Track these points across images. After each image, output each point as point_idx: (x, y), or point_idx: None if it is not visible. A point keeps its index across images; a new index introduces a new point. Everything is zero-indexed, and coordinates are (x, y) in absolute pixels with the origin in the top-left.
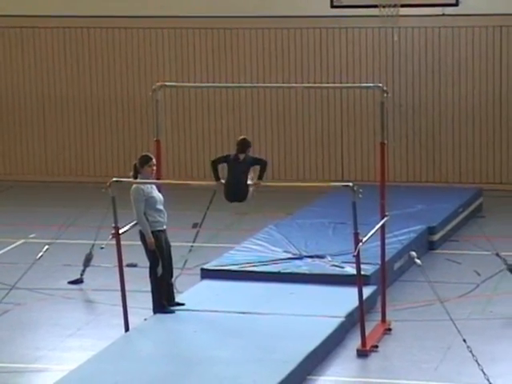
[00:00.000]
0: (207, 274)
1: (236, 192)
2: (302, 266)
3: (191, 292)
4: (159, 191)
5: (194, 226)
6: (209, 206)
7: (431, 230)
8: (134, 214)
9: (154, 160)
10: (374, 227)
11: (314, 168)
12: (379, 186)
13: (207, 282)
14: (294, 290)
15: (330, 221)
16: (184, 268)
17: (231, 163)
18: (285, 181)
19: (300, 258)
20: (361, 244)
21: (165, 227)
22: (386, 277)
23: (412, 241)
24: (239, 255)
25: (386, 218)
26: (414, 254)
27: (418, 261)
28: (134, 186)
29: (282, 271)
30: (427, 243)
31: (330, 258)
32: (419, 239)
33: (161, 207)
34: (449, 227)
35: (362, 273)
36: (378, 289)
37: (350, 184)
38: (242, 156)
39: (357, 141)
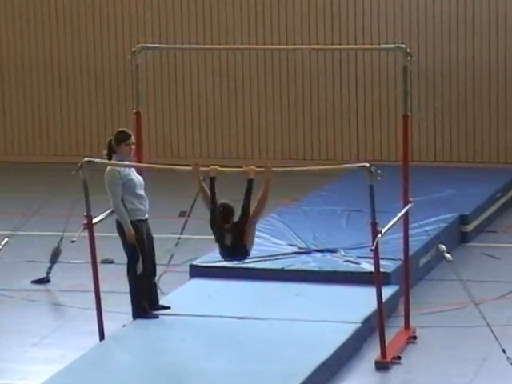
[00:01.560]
0: (197, 272)
1: (236, 250)
2: (310, 262)
3: (178, 293)
4: (139, 174)
5: (182, 214)
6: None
7: (464, 219)
8: (109, 200)
9: (132, 138)
10: (396, 216)
11: (323, 146)
12: (402, 166)
13: (197, 281)
14: (300, 290)
15: (343, 208)
16: (169, 264)
17: (219, 234)
18: (289, 161)
19: (307, 252)
20: (380, 236)
21: (146, 216)
22: (410, 275)
23: (441, 232)
24: None
25: (409, 205)
26: (443, 247)
27: (447, 255)
28: (109, 167)
29: (286, 268)
30: (459, 235)
31: (343, 253)
32: (449, 230)
33: (141, 192)
34: (484, 216)
35: (382, 270)
36: (400, 289)
37: (367, 164)
38: (228, 238)
39: (375, 113)
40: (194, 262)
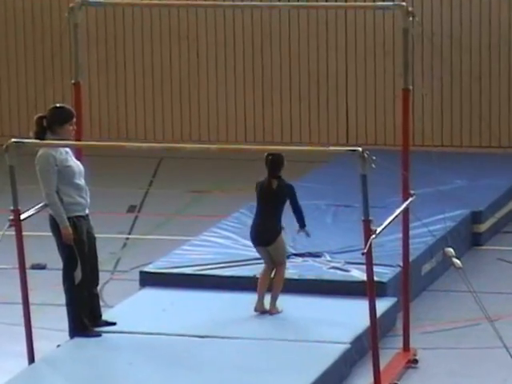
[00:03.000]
0: (149, 280)
1: (263, 233)
2: (288, 269)
3: (126, 306)
4: (78, 160)
5: (131, 209)
6: (152, 180)
7: (476, 217)
8: (41, 191)
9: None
10: (394, 212)
11: (305, 127)
12: (401, 152)
13: (149, 292)
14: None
15: (328, 203)
16: (115, 271)
17: (262, 191)
18: (263, 144)
19: None
20: (373, 237)
21: (87, 211)
22: (411, 285)
23: (448, 232)
24: (196, 252)
25: (410, 199)
26: (450, 251)
27: (456, 261)
28: (42, 150)
29: (259, 276)
30: (470, 236)
31: (328, 258)
32: (459, 230)
33: (81, 182)
34: (502, 213)
35: (376, 279)
36: (398, 302)
37: (359, 149)
38: (275, 182)
39: (369, 87)
40: (146, 268)
